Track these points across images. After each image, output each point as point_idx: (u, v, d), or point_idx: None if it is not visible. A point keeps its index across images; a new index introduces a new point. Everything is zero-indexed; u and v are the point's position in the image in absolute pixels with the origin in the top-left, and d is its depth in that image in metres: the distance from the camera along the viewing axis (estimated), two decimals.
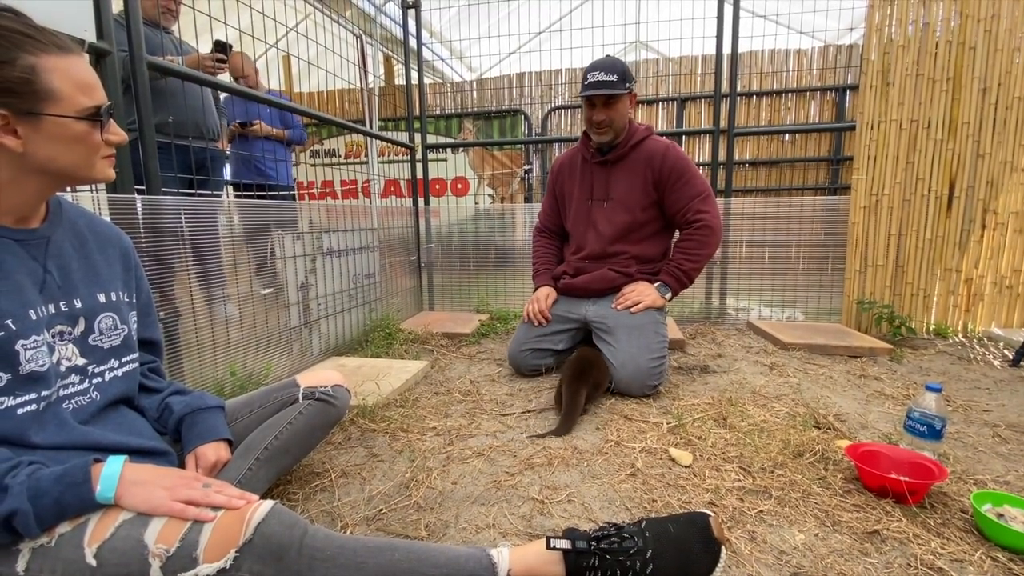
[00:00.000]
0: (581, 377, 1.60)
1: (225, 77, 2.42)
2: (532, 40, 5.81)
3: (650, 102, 4.67)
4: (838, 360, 2.08)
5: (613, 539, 0.77)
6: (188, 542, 0.65)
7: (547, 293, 2.02)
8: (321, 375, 1.17)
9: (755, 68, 4.43)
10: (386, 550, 0.70)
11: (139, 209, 1.35)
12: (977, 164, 2.32)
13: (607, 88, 1.77)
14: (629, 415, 1.54)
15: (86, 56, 0.78)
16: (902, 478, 1.05)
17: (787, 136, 4.45)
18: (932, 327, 2.45)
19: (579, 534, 0.78)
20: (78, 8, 1.24)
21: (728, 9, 2.66)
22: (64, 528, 0.66)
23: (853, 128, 2.57)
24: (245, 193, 2.52)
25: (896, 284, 2.49)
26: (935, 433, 1.21)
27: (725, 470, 1.20)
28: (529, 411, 1.61)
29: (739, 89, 4.20)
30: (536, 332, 1.96)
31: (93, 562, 0.64)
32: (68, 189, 1.20)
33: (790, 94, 4.41)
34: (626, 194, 1.91)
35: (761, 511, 1.04)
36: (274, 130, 3.08)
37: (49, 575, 0.65)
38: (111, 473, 0.69)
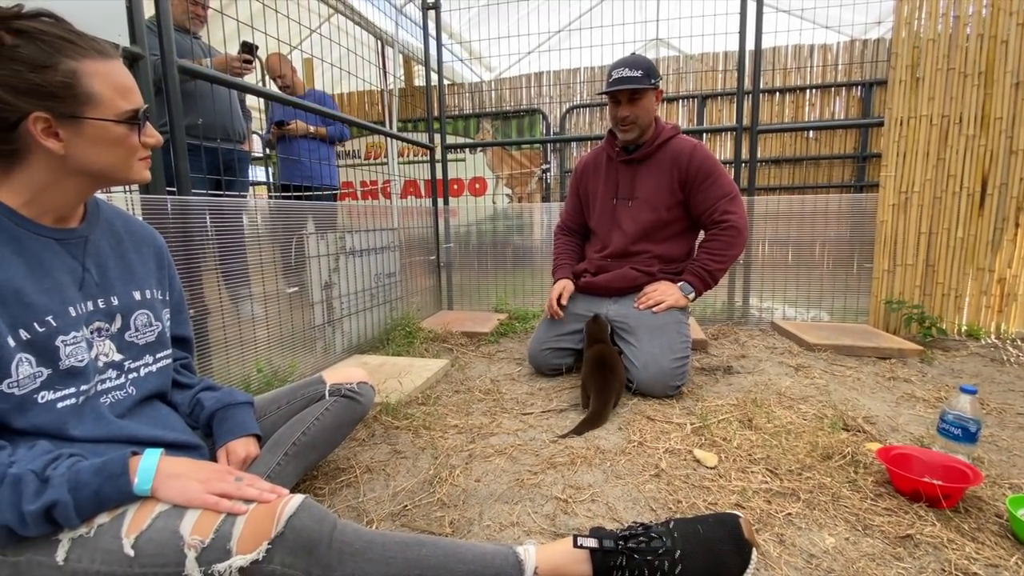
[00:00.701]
0: (608, 388, 1.55)
1: (251, 78, 2.47)
2: (551, 39, 5.80)
3: (671, 100, 4.62)
4: (866, 362, 2.03)
5: (641, 539, 0.76)
6: (222, 534, 0.66)
7: (563, 285, 1.98)
8: (346, 372, 1.18)
9: (778, 64, 4.35)
10: (414, 545, 0.71)
11: (169, 209, 1.39)
12: (1010, 160, 2.25)
13: (631, 83, 1.76)
14: (652, 416, 1.53)
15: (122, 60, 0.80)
16: (936, 482, 1.02)
17: (811, 133, 4.36)
18: (964, 328, 2.38)
19: (606, 533, 0.78)
20: (112, 13, 1.28)
21: (752, 5, 2.62)
22: (103, 519, 0.68)
23: (881, 124, 2.51)
24: (290, 194, 2.53)
25: (926, 284, 2.42)
26: (970, 436, 1.17)
27: (751, 472, 1.18)
28: (549, 411, 1.61)
29: (762, 86, 4.13)
30: (556, 331, 1.95)
31: (131, 552, 0.65)
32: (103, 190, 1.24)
33: (814, 90, 4.32)
34: (652, 193, 1.89)
35: (789, 514, 1.02)
36: (311, 128, 3.05)
37: (88, 564, 0.66)
38: (148, 466, 0.70)
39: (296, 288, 1.90)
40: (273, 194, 3.10)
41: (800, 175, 4.42)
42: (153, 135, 0.80)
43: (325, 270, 2.07)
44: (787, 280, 2.77)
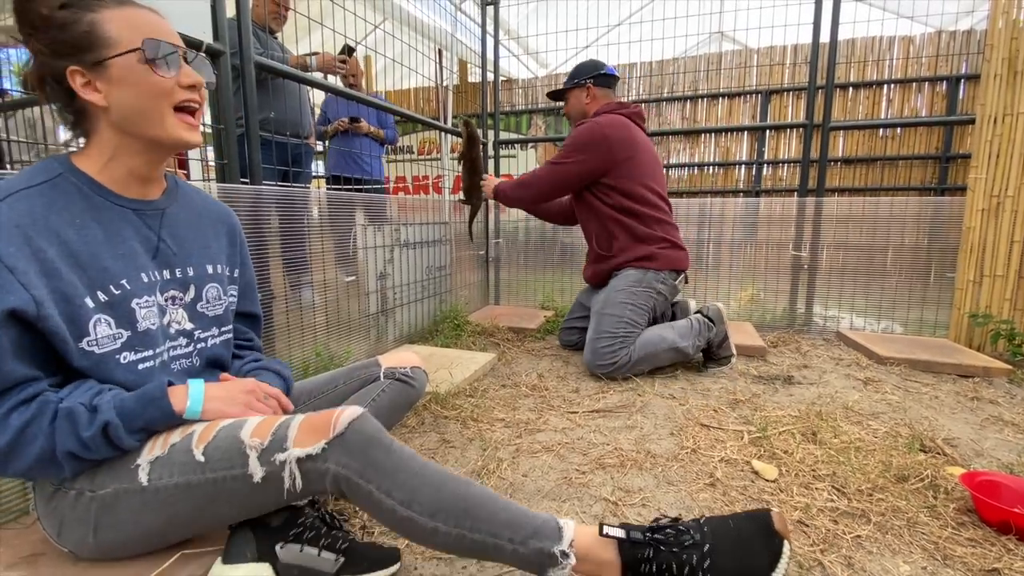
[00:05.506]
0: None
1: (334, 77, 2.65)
2: (609, 33, 5.69)
3: (731, 95, 4.44)
4: (944, 379, 1.88)
5: (668, 531, 0.75)
6: (279, 437, 0.72)
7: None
8: (400, 356, 1.21)
9: (852, 57, 4.09)
10: (463, 483, 0.75)
11: (242, 197, 1.46)
12: None
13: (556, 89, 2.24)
14: (706, 423, 1.47)
15: (155, 13, 0.79)
16: None
17: (886, 131, 4.07)
18: None
19: (634, 525, 0.78)
20: (197, 13, 1.36)
21: None
22: (175, 438, 0.75)
23: (969, 122, 2.31)
24: (343, 186, 2.70)
25: (1018, 298, 2.20)
26: None
27: (816, 488, 1.11)
28: (596, 410, 1.58)
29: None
30: (569, 315, 2.32)
31: (202, 459, 0.73)
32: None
33: (893, 85, 4.03)
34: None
35: (858, 536, 0.96)
36: (372, 128, 3.30)
37: (168, 480, 0.73)
38: (196, 393, 0.78)
39: (353, 277, 1.96)
40: (331, 186, 3.26)
41: (874, 176, 4.13)
42: (191, 75, 0.78)
43: (380, 261, 2.12)
44: (856, 288, 2.60)
